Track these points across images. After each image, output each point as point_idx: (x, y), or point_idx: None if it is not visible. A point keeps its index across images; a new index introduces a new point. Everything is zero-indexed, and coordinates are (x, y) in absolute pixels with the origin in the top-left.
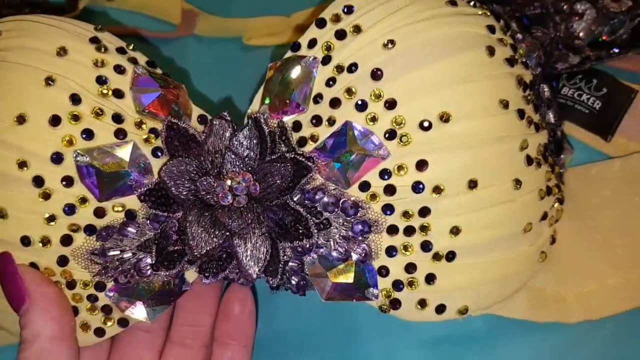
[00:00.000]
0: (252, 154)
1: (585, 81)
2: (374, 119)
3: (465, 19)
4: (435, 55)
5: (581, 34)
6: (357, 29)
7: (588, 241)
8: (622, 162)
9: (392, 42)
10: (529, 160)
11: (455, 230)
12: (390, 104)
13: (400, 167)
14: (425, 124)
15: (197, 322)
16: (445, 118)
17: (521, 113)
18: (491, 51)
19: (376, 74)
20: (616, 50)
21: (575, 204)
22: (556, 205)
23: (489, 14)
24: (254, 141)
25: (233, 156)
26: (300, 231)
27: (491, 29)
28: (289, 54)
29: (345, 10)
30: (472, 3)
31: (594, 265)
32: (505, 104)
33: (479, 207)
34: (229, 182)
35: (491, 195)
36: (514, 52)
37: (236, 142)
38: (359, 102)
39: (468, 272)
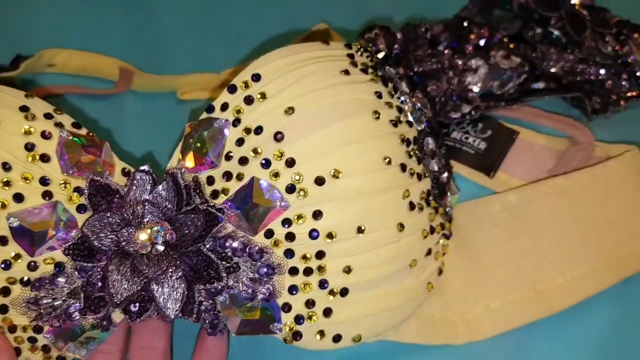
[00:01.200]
0: (169, 205)
1: (472, 125)
2: (276, 175)
3: (356, 87)
4: (328, 120)
5: (475, 88)
6: (263, 96)
7: (473, 271)
8: (500, 198)
9: (292, 108)
10: (412, 206)
11: (347, 270)
12: (290, 163)
13: (299, 217)
14: (320, 180)
15: (149, 345)
16: (336, 175)
17: (403, 167)
18: (377, 115)
19: (278, 137)
20: (503, 103)
21: (462, 238)
22: (442, 241)
23: (378, 80)
24: (172, 194)
25: (152, 207)
26: (212, 275)
27: (378, 95)
28: (204, 115)
29: (254, 78)
30: (366, 69)
31: (478, 291)
32: (388, 161)
33: (367, 248)
34: (148, 231)
35: (378, 238)
36: (399, 113)
37: (156, 194)
38: (264, 161)
39: (360, 305)
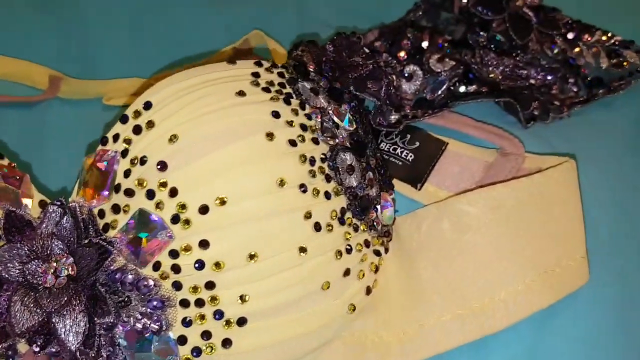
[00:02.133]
0: (71, 238)
1: (400, 136)
2: (160, 206)
3: (249, 108)
4: (215, 145)
5: (409, 95)
6: (151, 124)
7: (411, 288)
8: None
9: (175, 136)
10: (317, 227)
11: (243, 298)
12: (173, 192)
13: (186, 247)
14: (204, 208)
15: None
16: (221, 201)
17: (303, 187)
18: (270, 136)
19: (161, 166)
20: (430, 111)
21: (401, 254)
22: (369, 259)
23: (279, 98)
24: (72, 227)
25: (58, 241)
26: (103, 309)
27: (275, 114)
28: (99, 147)
29: (144, 106)
30: (269, 88)
31: (415, 310)
32: (281, 183)
33: (262, 276)
34: (54, 264)
35: (275, 264)
36: (303, 131)
37: (60, 227)
38: (148, 192)
39: (265, 332)
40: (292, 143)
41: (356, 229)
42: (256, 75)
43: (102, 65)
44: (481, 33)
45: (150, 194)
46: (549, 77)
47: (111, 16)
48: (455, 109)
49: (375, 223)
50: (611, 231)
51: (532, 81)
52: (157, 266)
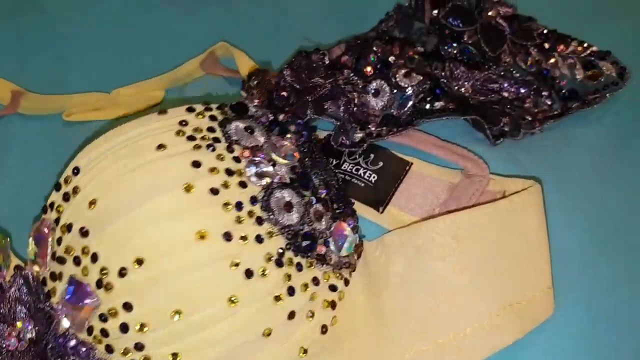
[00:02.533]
0: (30, 303)
1: (363, 156)
2: (85, 272)
3: (168, 162)
4: (130, 206)
5: (377, 110)
6: (76, 190)
7: (376, 323)
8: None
9: (95, 201)
10: (249, 274)
11: (175, 356)
12: (94, 258)
13: (112, 311)
14: (123, 271)
15: None
16: (139, 262)
17: (228, 235)
18: (188, 188)
19: (83, 232)
20: (395, 129)
21: (370, 279)
22: (319, 297)
23: (203, 144)
24: (28, 293)
25: (20, 305)
26: None
27: (196, 164)
28: (42, 215)
29: (74, 171)
30: (193, 136)
31: (379, 347)
32: (201, 235)
33: (192, 331)
34: (17, 328)
35: (203, 319)
36: (228, 176)
37: (22, 292)
38: (75, 258)
39: None
40: (214, 191)
41: (300, 268)
42: (183, 123)
43: (67, 80)
44: (453, 44)
45: (77, 261)
46: (522, 90)
47: (77, 29)
48: (423, 126)
49: (327, 257)
50: (580, 255)
51: (505, 94)
52: (90, 330)
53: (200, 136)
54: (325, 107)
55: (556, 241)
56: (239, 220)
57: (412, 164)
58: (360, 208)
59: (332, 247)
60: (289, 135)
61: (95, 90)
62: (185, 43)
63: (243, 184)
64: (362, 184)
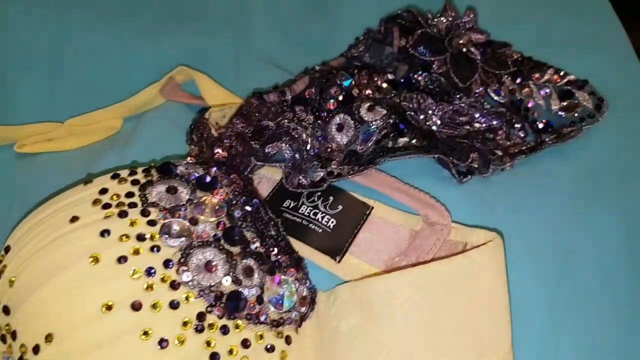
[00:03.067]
0: None
1: (323, 199)
2: (10, 350)
3: (77, 234)
4: (39, 282)
5: (341, 146)
6: (3, 269)
7: None
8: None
9: (13, 280)
10: (163, 344)
11: None
12: (14, 335)
13: None
14: (36, 348)
15: None
16: (49, 338)
17: (136, 305)
18: (95, 259)
19: (5, 310)
20: (356, 168)
21: (320, 333)
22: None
23: (114, 213)
24: None
25: None
26: None
27: (105, 233)
28: None
29: (6, 250)
30: (109, 204)
31: None
32: (108, 307)
33: None
34: None
35: None
36: (140, 242)
37: None
38: (1, 337)
39: None
40: (122, 260)
41: (226, 331)
42: (103, 191)
43: (18, 110)
44: (422, 74)
45: (3, 338)
46: (494, 122)
47: (28, 55)
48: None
49: (260, 315)
50: (548, 306)
51: (477, 125)
52: None
53: (116, 203)
54: (268, 151)
55: (521, 293)
56: (149, 287)
57: (373, 207)
58: (316, 256)
59: (268, 303)
60: (220, 190)
61: (46, 121)
62: (144, 69)
63: (155, 248)
64: (320, 230)
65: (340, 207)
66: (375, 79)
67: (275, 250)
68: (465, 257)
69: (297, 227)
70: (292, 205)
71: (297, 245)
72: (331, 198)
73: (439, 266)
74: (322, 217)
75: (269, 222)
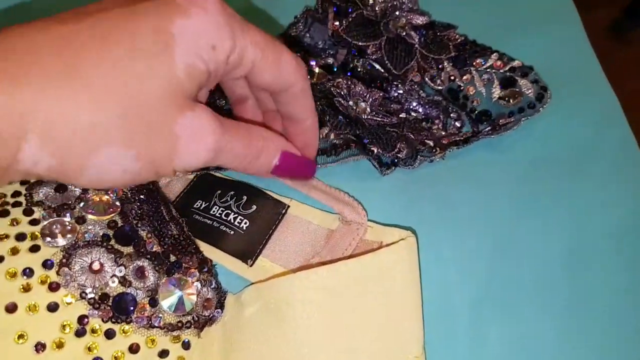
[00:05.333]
0: None
1: (236, 199)
2: None
3: None
4: None
5: None
6: None
7: None
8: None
9: None
10: (39, 348)
11: None
12: None
13: None
14: None
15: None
16: None
17: (11, 306)
18: None
19: None
20: None
21: (225, 338)
22: None
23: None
24: None
25: None
26: None
27: None
28: None
29: None
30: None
31: None
32: None
33: None
34: None
35: None
36: (18, 241)
37: None
38: None
39: None
40: None
41: (111, 336)
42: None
43: None
44: (360, 59)
45: None
46: (430, 111)
47: None
48: None
49: (153, 319)
50: (474, 307)
51: (414, 114)
52: None
53: (0, 202)
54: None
55: (447, 293)
56: (25, 289)
57: (288, 206)
58: (228, 261)
59: (163, 306)
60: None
61: None
62: None
63: (35, 248)
64: (232, 232)
65: (254, 207)
66: (312, 62)
67: (176, 250)
68: (375, 256)
69: (208, 230)
70: (203, 206)
71: (208, 250)
72: (244, 197)
73: (345, 266)
74: (235, 219)
75: (169, 222)
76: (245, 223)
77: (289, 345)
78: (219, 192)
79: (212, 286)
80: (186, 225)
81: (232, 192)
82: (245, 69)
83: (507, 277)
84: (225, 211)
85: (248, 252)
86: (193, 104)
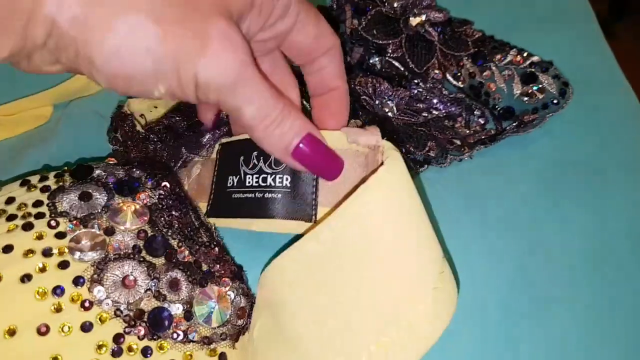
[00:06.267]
0: None
1: (263, 158)
2: None
3: None
4: None
5: None
6: None
7: None
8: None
9: None
10: None
11: None
12: None
13: None
14: None
15: None
16: None
17: (44, 328)
18: None
19: None
20: None
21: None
22: None
23: (18, 225)
24: None
25: None
26: None
27: (8, 249)
28: None
29: None
30: (18, 213)
31: None
32: (11, 332)
33: None
34: None
35: None
36: (46, 257)
37: None
38: None
39: None
40: (26, 278)
41: (148, 354)
42: (10, 201)
43: None
44: (376, 58)
45: None
46: (453, 109)
47: None
48: None
49: (189, 333)
50: (503, 309)
51: (435, 112)
52: None
53: (22, 213)
54: (201, 139)
55: (474, 294)
56: (57, 309)
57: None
58: (288, 227)
59: (198, 319)
60: (142, 194)
61: None
62: None
63: (64, 264)
64: (278, 195)
65: None
66: None
67: (208, 259)
68: (351, 206)
69: (253, 203)
70: (236, 181)
71: (263, 225)
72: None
73: (321, 231)
74: (274, 180)
75: (199, 228)
76: (287, 179)
77: (284, 337)
78: (242, 158)
79: (244, 294)
80: (216, 231)
81: (255, 152)
82: (289, 22)
83: (535, 276)
84: (260, 176)
85: (305, 208)
86: (231, 19)
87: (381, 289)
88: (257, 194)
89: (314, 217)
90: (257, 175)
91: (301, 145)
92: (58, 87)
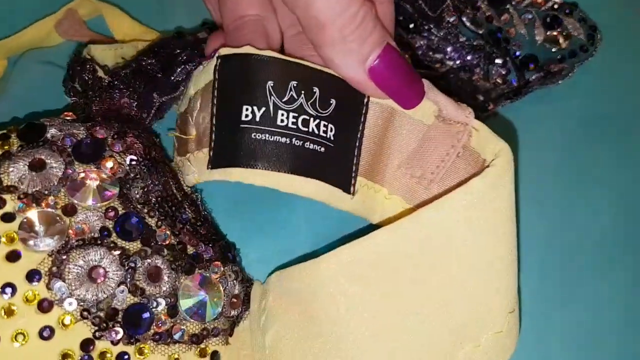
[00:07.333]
0: None
1: (305, 93)
2: None
3: None
4: None
5: None
6: None
7: None
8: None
9: None
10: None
11: None
12: None
13: None
14: None
15: None
16: None
17: None
18: None
19: None
20: None
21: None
22: None
23: None
24: None
25: None
26: None
27: None
28: None
29: None
30: None
31: None
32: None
33: None
34: None
35: None
36: None
37: None
38: None
39: None
40: None
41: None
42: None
43: None
44: None
45: None
46: (469, 57)
47: None
48: None
49: (174, 333)
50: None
51: (449, 63)
52: None
53: None
54: (174, 78)
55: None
56: (7, 312)
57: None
58: (323, 194)
59: (185, 314)
60: (109, 160)
61: None
62: None
63: (14, 256)
64: (322, 148)
65: (332, 101)
66: None
67: (194, 239)
68: (432, 211)
69: (289, 154)
70: (259, 115)
71: (288, 183)
72: (315, 89)
73: (388, 234)
74: (318, 125)
75: (182, 201)
76: (331, 130)
77: (323, 349)
78: (271, 83)
79: (239, 278)
80: (203, 203)
81: (294, 82)
82: None
83: (565, 253)
84: (301, 117)
85: (345, 173)
86: None
87: (454, 307)
88: (294, 139)
89: (352, 187)
90: (296, 115)
91: (379, 62)
92: (12, 37)
